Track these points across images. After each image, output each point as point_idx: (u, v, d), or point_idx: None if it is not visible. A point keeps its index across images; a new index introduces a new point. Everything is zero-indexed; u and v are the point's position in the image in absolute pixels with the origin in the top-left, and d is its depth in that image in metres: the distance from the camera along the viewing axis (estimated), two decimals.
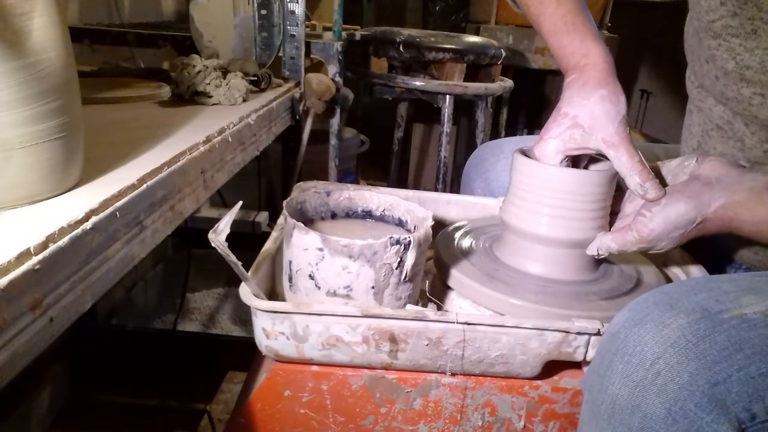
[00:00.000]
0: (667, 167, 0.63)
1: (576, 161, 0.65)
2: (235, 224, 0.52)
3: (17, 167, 0.40)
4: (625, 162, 0.57)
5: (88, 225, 0.40)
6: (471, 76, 1.71)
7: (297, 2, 1.08)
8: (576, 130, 0.60)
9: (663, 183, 0.61)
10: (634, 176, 0.57)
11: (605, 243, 0.60)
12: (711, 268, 0.76)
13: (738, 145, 0.67)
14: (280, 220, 0.67)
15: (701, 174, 0.59)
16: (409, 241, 0.53)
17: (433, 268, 0.68)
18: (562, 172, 0.61)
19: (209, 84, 0.82)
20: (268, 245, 0.65)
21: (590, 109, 0.59)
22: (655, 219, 0.57)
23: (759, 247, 0.68)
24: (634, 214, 0.60)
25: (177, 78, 0.82)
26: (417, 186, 2.32)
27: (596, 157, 0.66)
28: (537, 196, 0.61)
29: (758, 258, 0.69)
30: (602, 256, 0.62)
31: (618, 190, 0.64)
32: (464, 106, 2.04)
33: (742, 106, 0.64)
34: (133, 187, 0.48)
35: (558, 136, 0.61)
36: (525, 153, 0.64)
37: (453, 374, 0.56)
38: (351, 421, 0.57)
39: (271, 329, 0.53)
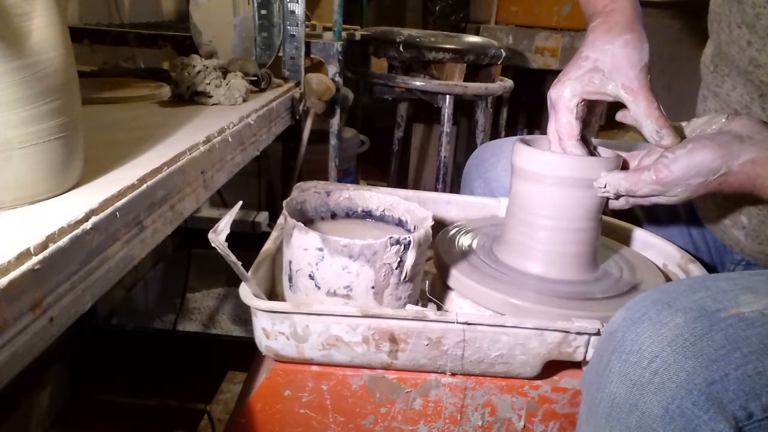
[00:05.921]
0: (693, 124, 0.61)
1: (591, 107, 0.63)
2: (235, 224, 0.52)
3: (17, 167, 0.40)
4: (643, 108, 0.56)
5: (88, 225, 0.40)
6: (471, 76, 1.71)
7: (297, 2, 1.08)
8: (595, 74, 0.59)
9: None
10: (650, 122, 0.56)
11: (615, 179, 0.58)
12: (710, 266, 0.76)
13: None
14: (280, 220, 0.67)
15: (732, 130, 0.57)
16: (409, 241, 0.53)
17: (433, 268, 0.68)
18: (562, 159, 0.60)
19: (209, 84, 0.82)
20: (268, 245, 0.65)
21: (612, 54, 0.58)
22: (678, 161, 0.55)
23: (764, 237, 0.67)
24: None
25: (177, 78, 0.82)
26: (417, 186, 2.32)
27: (602, 147, 0.66)
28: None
29: (761, 248, 0.68)
30: (607, 194, 0.59)
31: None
32: (464, 106, 2.04)
33: None
34: (133, 187, 0.48)
35: (577, 78, 0.60)
36: (526, 143, 0.65)
37: (453, 374, 0.56)
38: (351, 421, 0.57)
39: (271, 329, 0.53)
